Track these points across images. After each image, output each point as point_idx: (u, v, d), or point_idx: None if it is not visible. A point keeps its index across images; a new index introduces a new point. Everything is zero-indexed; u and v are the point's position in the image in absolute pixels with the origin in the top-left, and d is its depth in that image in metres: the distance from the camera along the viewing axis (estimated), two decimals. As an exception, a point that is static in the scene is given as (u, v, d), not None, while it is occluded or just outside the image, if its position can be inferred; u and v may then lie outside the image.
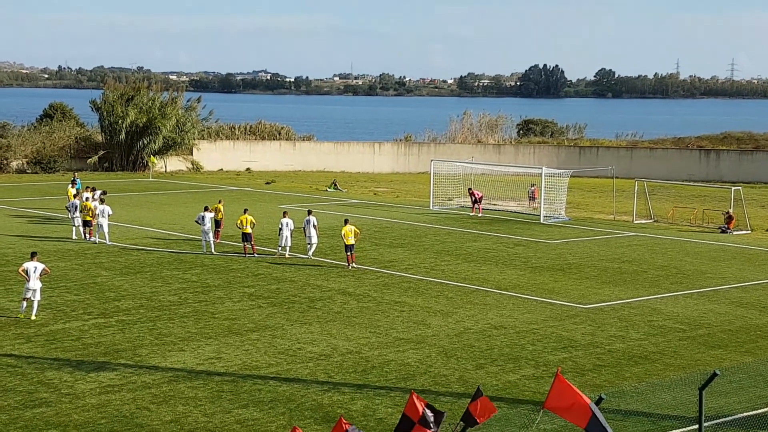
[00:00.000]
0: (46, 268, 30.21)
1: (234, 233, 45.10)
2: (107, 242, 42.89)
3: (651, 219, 54.51)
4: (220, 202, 46.15)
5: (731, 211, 52.07)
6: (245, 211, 41.47)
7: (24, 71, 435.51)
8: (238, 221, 40.91)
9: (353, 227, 38.85)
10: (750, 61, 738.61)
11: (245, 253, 40.58)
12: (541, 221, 53.31)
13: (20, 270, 29.72)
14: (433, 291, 34.33)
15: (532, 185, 60.94)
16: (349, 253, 38.47)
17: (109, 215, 43.42)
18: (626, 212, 56.15)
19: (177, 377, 23.69)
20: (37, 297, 29.39)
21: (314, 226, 40.25)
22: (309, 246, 40.44)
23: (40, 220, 50.17)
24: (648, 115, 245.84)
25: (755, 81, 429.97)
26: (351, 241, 38.35)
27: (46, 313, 29.77)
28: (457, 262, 40.34)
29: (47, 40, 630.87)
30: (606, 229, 51.15)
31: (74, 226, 44.56)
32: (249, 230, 40.49)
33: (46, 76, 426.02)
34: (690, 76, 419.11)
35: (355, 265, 38.39)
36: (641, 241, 47.23)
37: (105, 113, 79.96)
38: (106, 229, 43.23)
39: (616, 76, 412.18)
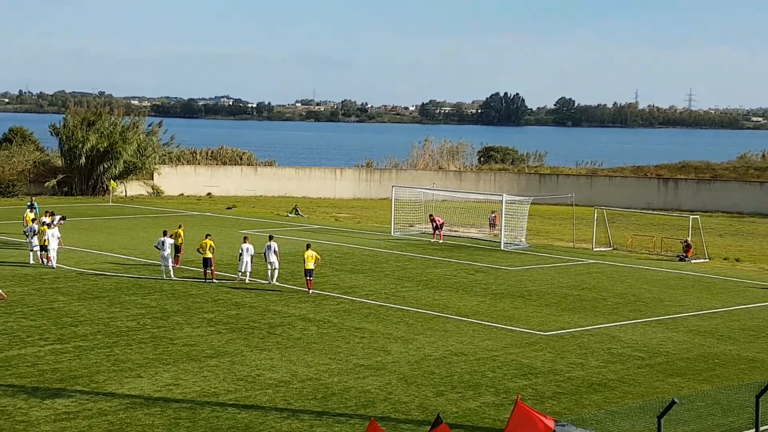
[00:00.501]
0: (3, 294, 29.87)
1: (194, 258, 44.84)
2: (54, 266, 42.59)
3: (610, 246, 54.85)
4: (180, 227, 45.89)
5: (689, 239, 52.51)
6: (207, 236, 41.26)
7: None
8: (199, 246, 40.68)
9: (314, 252, 38.77)
10: (707, 92, 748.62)
11: (205, 279, 40.33)
12: (502, 248, 53.46)
13: (-24, 295, 29.29)
14: (394, 317, 34.26)
15: (493, 212, 61.17)
16: (308, 278, 38.38)
17: (58, 238, 43.13)
18: (586, 240, 56.47)
19: (134, 404, 23.42)
20: (-7, 322, 29.01)
21: (275, 251, 40.07)
22: (270, 272, 40.26)
23: (-3, 244, 49.59)
24: (607, 143, 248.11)
25: (712, 111, 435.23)
26: (310, 266, 38.26)
27: (2, 339, 29.37)
28: (418, 288, 40.32)
29: (8, 64, 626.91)
30: (566, 256, 51.38)
31: (31, 250, 44.01)
32: (210, 255, 40.27)
33: (6, 100, 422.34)
34: (648, 106, 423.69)
35: (313, 291, 38.28)
36: (600, 268, 47.48)
37: (65, 137, 79.49)
38: (53, 254, 42.88)
39: (576, 104, 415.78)
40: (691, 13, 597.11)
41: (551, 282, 42.89)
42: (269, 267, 40.19)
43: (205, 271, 40.48)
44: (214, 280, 40.15)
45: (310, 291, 38.18)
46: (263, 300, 36.70)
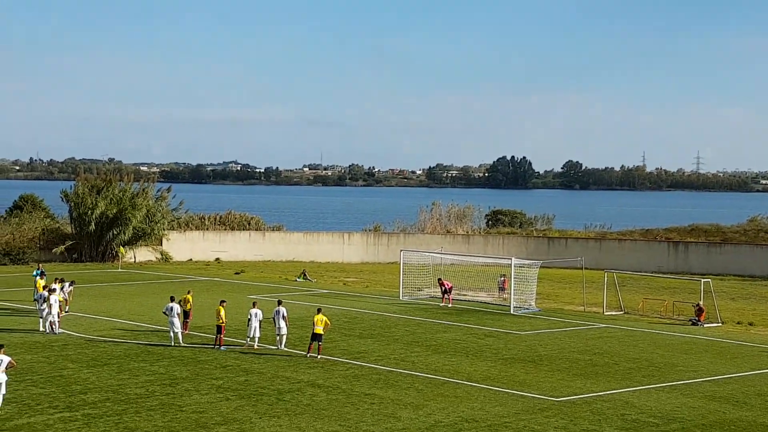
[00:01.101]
0: (12, 361, 29.62)
1: (203, 324, 44.73)
2: (56, 332, 42.61)
3: (621, 311, 54.54)
4: (189, 292, 45.74)
5: (701, 303, 52.16)
6: (222, 302, 41.05)
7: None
8: (217, 312, 40.30)
9: (324, 317, 38.62)
10: (715, 155, 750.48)
11: (216, 345, 40.05)
12: (512, 312, 53.20)
13: (-15, 363, 29.11)
14: (404, 383, 33.98)
15: (502, 276, 60.95)
16: (314, 343, 38.18)
17: (62, 302, 43.24)
18: (596, 303, 56.17)
19: (143, 473, 23.15)
20: (2, 390, 28.80)
21: (284, 316, 39.89)
22: (278, 337, 40.05)
23: (6, 312, 49.31)
24: (616, 206, 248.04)
25: (721, 174, 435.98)
26: (320, 330, 38.11)
27: (11, 407, 29.12)
28: (428, 353, 40.03)
29: (18, 132, 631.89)
30: (577, 320, 51.07)
31: (41, 318, 43.88)
32: (223, 322, 40.03)
33: (17, 168, 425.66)
34: (656, 169, 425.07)
35: (321, 356, 38.06)
36: (612, 333, 47.15)
37: (75, 204, 79.77)
38: (55, 319, 42.88)
39: (584, 168, 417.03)
40: (697, 75, 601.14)
41: (562, 346, 42.57)
42: (277, 332, 39.97)
43: (218, 337, 40.23)
44: (222, 347, 39.88)
45: (314, 355, 37.99)
46: (272, 366, 36.45)
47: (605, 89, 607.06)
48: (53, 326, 42.89)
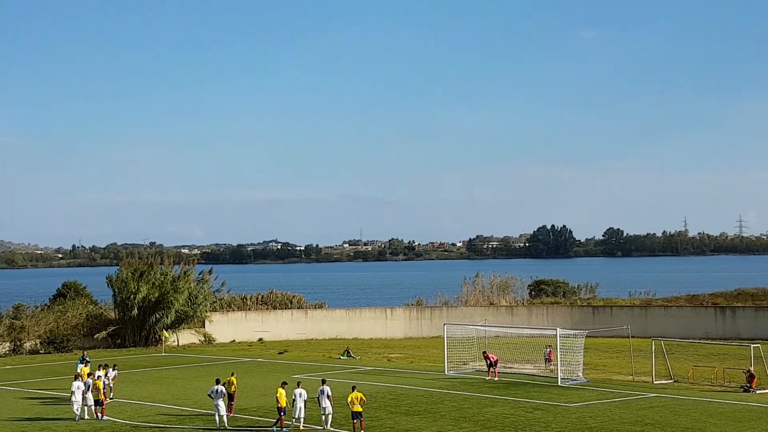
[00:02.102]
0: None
1: (248, 406, 44.55)
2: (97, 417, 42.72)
3: (671, 379, 53.66)
4: (233, 374, 45.57)
5: (752, 369, 51.23)
6: (283, 384, 40.64)
7: (38, 252, 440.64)
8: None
9: (360, 394, 38.36)
10: (758, 218, 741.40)
11: (278, 427, 39.49)
12: (559, 384, 52.49)
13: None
14: (453, 461, 33.46)
15: (548, 347, 60.30)
16: (356, 421, 37.88)
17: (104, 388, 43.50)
18: (645, 372, 55.31)
19: None
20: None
21: (328, 396, 39.61)
22: (323, 417, 39.69)
23: (51, 401, 49.28)
24: (659, 273, 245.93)
25: (764, 237, 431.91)
26: (358, 408, 37.87)
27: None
28: (476, 428, 39.49)
29: (61, 221, 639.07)
30: (626, 390, 50.27)
31: (86, 405, 43.83)
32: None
33: (60, 255, 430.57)
34: (699, 233, 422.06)
35: None
36: (662, 402, 46.32)
37: (118, 290, 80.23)
38: (91, 402, 43.10)
39: (625, 234, 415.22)
40: (736, 138, 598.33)
41: (612, 417, 41.85)
42: (322, 412, 39.62)
43: (278, 420, 39.65)
44: (284, 430, 39.38)
45: None
46: (319, 447, 36.04)
47: (644, 155, 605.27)
48: (96, 411, 42.90)
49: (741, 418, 41.64)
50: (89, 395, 43.60)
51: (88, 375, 46.54)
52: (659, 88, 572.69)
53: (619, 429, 39.13)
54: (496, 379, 54.86)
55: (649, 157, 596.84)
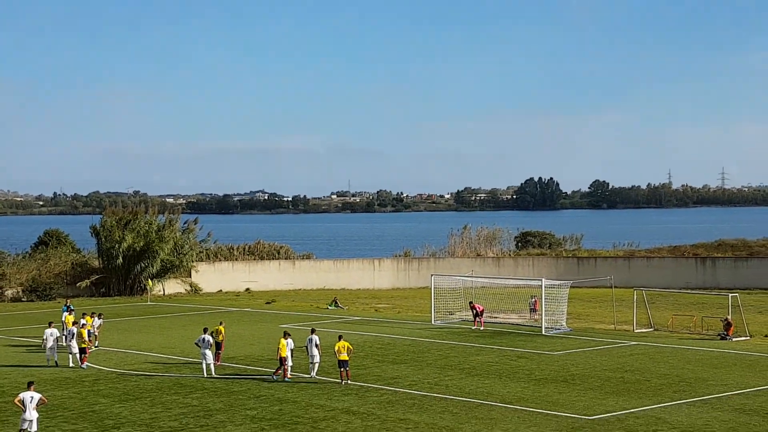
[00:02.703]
0: (43, 398, 29.81)
1: (235, 355, 45.02)
2: (80, 365, 43.19)
3: (651, 327, 54.39)
4: (221, 324, 45.98)
5: (729, 317, 51.99)
6: (285, 335, 40.36)
7: (19, 199, 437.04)
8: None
9: (346, 343, 38.78)
10: (740, 170, 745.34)
11: (342, 379, 38.90)
12: (543, 333, 53.16)
13: (16, 400, 29.35)
14: (438, 407, 34.04)
15: (533, 297, 60.95)
16: (342, 369, 38.36)
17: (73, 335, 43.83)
18: (626, 321, 56.03)
19: (180, 504, 23.31)
20: (34, 428, 28.98)
21: (316, 345, 40.05)
22: (311, 365, 40.19)
23: (36, 349, 49.36)
24: (643, 224, 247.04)
25: (746, 189, 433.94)
26: (344, 356, 38.31)
27: (46, 443, 29.37)
28: (461, 376, 40.08)
29: (41, 168, 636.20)
30: (607, 338, 50.97)
31: (70, 353, 44.08)
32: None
33: (41, 203, 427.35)
34: (682, 186, 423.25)
35: (350, 382, 38.26)
36: (643, 350, 47.05)
37: (103, 238, 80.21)
38: (75, 350, 43.54)
39: (610, 187, 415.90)
40: (720, 91, 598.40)
41: (594, 365, 42.51)
42: (310, 360, 40.10)
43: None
44: (286, 379, 39.69)
45: (345, 381, 38.21)
46: (306, 394, 36.59)
47: (629, 108, 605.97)
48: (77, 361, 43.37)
49: (717, 365, 42.39)
50: (74, 343, 43.88)
51: (73, 323, 46.83)
52: (646, 41, 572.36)
53: (600, 376, 39.79)
54: (481, 328, 55.47)
55: (636, 110, 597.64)
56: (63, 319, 50.04)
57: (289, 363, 39.89)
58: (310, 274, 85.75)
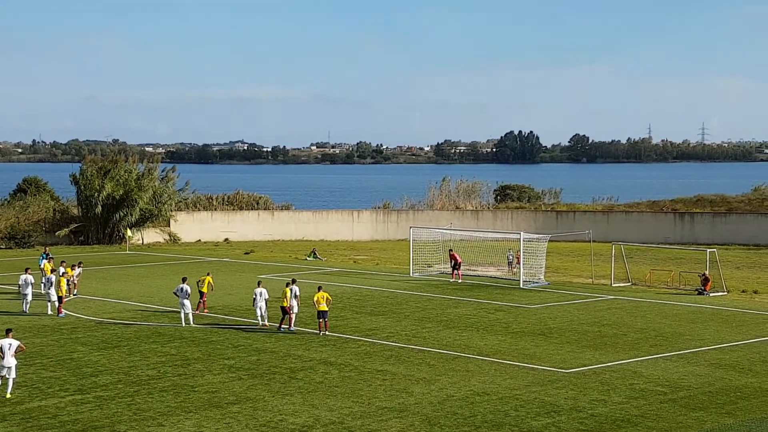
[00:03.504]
0: (21, 345, 29.77)
1: (213, 304, 45.02)
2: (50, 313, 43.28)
3: (629, 282, 54.69)
4: (208, 274, 45.90)
5: (707, 273, 52.32)
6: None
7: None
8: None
9: (326, 294, 38.80)
10: (720, 125, 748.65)
11: (281, 326, 39.65)
12: (521, 286, 53.37)
13: (-6, 347, 29.30)
14: (415, 359, 34.19)
15: (510, 250, 61.16)
16: (321, 320, 38.41)
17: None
18: (604, 276, 56.31)
19: (157, 452, 23.37)
20: (12, 374, 28.97)
21: (296, 295, 40.04)
22: (289, 315, 40.19)
23: (14, 296, 49.14)
24: (623, 179, 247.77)
25: (725, 144, 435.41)
26: (323, 307, 38.31)
27: (22, 391, 29.34)
28: (439, 328, 40.24)
29: (20, 114, 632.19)
30: (585, 293, 51.23)
31: (49, 301, 44.01)
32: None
33: (20, 150, 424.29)
34: (662, 141, 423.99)
35: (328, 333, 38.35)
36: (620, 304, 47.32)
37: (82, 187, 79.80)
38: (54, 298, 43.52)
39: (590, 141, 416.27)
40: (701, 46, 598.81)
41: (571, 319, 42.75)
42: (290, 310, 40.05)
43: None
44: (291, 329, 39.71)
45: (323, 333, 38.30)
46: (284, 345, 36.67)
47: (610, 62, 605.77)
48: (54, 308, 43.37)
49: (694, 319, 42.71)
50: (52, 291, 43.78)
51: (52, 271, 46.60)
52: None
53: (577, 329, 40.03)
54: (459, 281, 55.64)
55: (616, 64, 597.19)
56: (41, 266, 49.78)
57: (295, 311, 39.87)
58: (289, 224, 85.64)
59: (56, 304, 43.60)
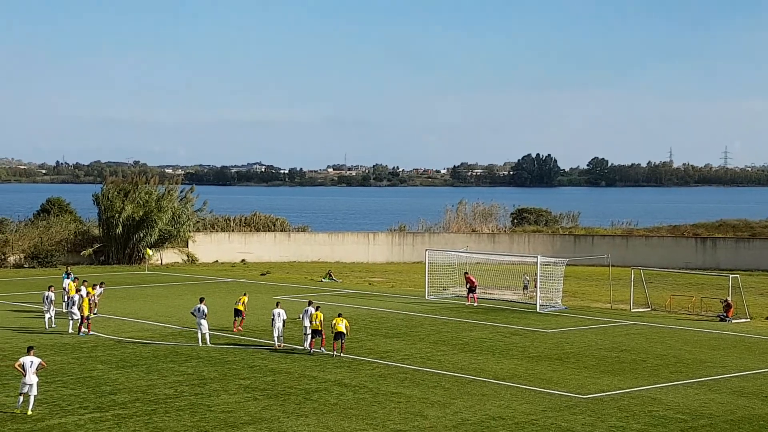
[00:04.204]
0: (43, 363, 29.94)
1: (229, 325, 45.04)
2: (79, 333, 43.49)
3: (648, 307, 54.37)
4: (245, 294, 46.75)
5: (729, 299, 51.92)
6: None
7: (22, 167, 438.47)
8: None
9: (345, 321, 38.79)
10: (743, 149, 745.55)
11: (335, 351, 39.03)
12: (538, 310, 53.13)
13: (16, 365, 29.48)
14: (430, 381, 34.04)
15: (526, 275, 61.00)
16: (337, 341, 38.45)
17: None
18: (623, 301, 55.99)
19: (172, 472, 23.30)
20: (34, 392, 29.09)
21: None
22: (306, 336, 40.15)
23: (36, 315, 49.52)
24: (642, 203, 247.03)
25: (749, 169, 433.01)
26: (341, 329, 38.37)
27: (42, 408, 29.41)
28: (454, 351, 40.07)
29: (45, 136, 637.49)
30: (603, 317, 50.96)
31: (71, 320, 44.22)
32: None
33: (44, 171, 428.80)
34: (683, 164, 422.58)
35: (343, 355, 38.39)
36: (639, 329, 47.03)
37: (104, 207, 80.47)
38: (77, 317, 43.90)
39: (609, 164, 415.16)
40: (724, 69, 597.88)
41: (589, 344, 42.51)
42: (305, 332, 40.02)
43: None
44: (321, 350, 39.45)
45: (341, 354, 38.42)
46: (299, 365, 36.59)
47: (631, 85, 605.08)
48: (81, 327, 43.52)
49: (716, 346, 42.37)
50: (75, 310, 43.99)
51: (76, 291, 46.76)
52: (649, 16, 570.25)
53: (595, 354, 39.79)
54: (475, 304, 55.46)
55: (637, 86, 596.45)
56: (65, 286, 49.97)
57: (281, 333, 40.37)
58: (305, 246, 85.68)
59: (78, 323, 43.80)
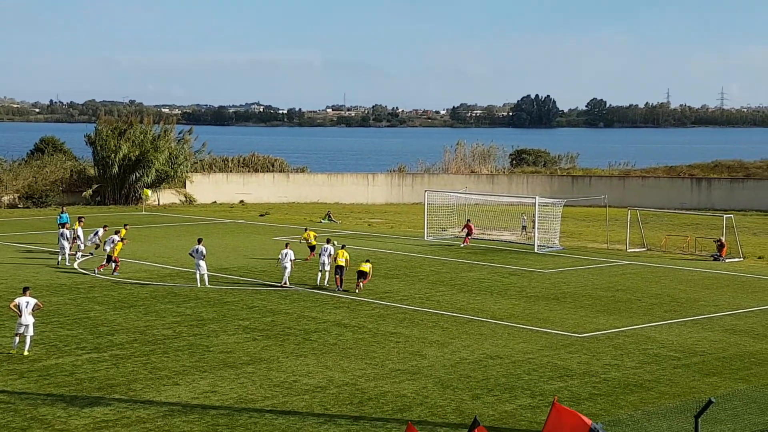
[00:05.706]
0: (39, 303, 29.94)
1: (228, 265, 45.18)
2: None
3: (644, 247, 54.60)
4: (306, 229, 49.85)
5: (723, 238, 52.17)
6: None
7: (15, 105, 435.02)
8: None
9: (346, 254, 39.42)
10: (739, 90, 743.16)
11: (337, 286, 40.05)
12: (535, 251, 53.34)
13: (12, 305, 29.44)
14: (429, 322, 34.28)
15: (523, 214, 61.15)
16: (338, 276, 38.97)
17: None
18: (619, 241, 56.22)
19: (172, 412, 23.57)
20: (30, 332, 29.16)
21: (329, 254, 40.65)
22: (320, 273, 40.67)
23: (30, 254, 49.72)
24: (640, 144, 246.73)
25: (745, 110, 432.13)
26: (342, 262, 39.03)
27: (39, 349, 29.59)
28: (452, 292, 40.31)
29: (38, 75, 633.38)
30: (600, 258, 51.20)
31: (65, 255, 46.01)
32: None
33: (38, 110, 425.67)
34: (680, 105, 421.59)
35: (343, 289, 39.05)
36: (635, 269, 47.28)
37: (98, 147, 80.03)
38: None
39: (608, 105, 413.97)
40: (721, 11, 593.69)
41: (585, 284, 42.76)
42: (321, 268, 40.81)
43: (358, 283, 39.72)
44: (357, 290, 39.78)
45: (341, 289, 39.27)
46: (298, 306, 36.81)
47: (629, 26, 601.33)
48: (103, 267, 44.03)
49: (709, 285, 42.68)
50: (65, 244, 46.05)
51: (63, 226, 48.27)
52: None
53: (592, 294, 40.05)
54: (464, 245, 55.30)
55: (635, 28, 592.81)
56: (60, 225, 50.17)
57: (326, 268, 40.93)
58: (304, 187, 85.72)
59: (67, 256, 45.90)
